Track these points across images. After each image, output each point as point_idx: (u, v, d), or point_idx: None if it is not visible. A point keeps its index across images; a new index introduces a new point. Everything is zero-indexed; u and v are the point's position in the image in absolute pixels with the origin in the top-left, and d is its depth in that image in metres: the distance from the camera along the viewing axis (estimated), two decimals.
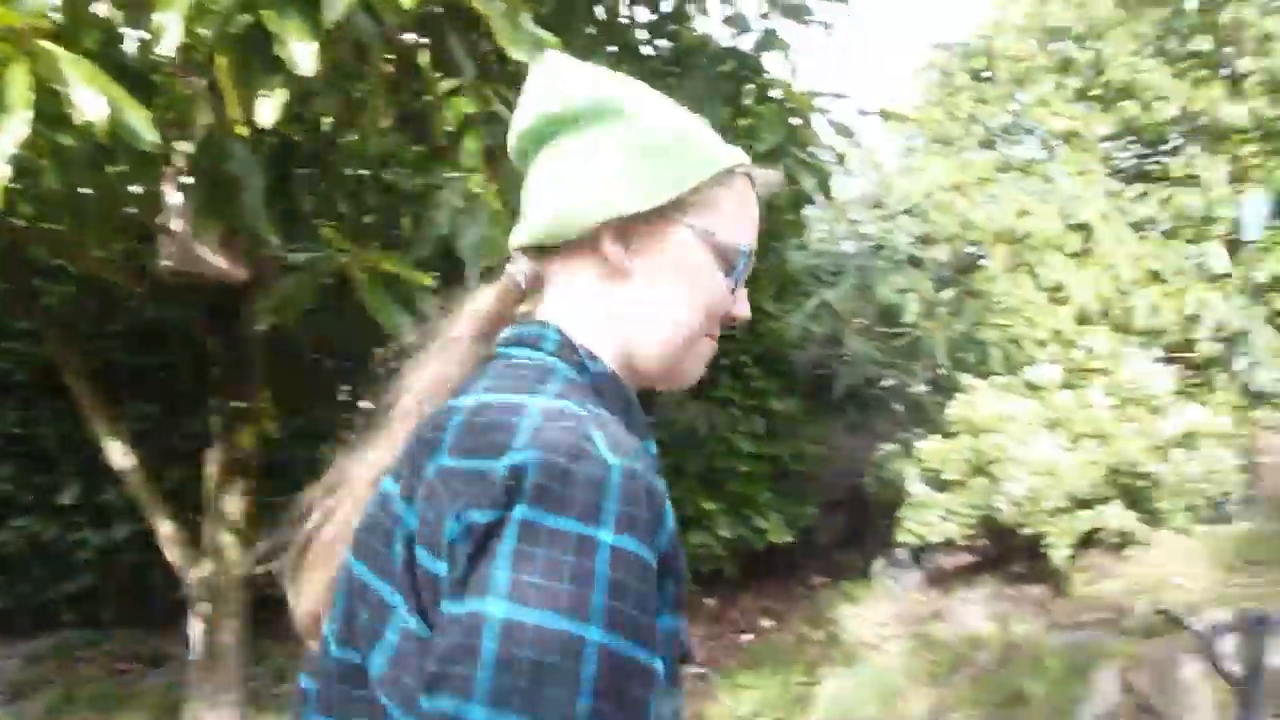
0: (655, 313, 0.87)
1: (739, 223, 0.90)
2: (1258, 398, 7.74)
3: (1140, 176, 12.11)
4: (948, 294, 7.87)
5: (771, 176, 0.97)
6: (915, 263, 8.14)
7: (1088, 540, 6.30)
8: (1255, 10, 10.81)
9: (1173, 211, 10.02)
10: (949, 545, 6.64)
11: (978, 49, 12.69)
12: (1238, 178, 11.08)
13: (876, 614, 6.89)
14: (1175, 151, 11.72)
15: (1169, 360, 9.29)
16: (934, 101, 12.25)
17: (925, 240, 8.38)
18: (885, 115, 5.65)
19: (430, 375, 0.88)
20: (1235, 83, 11.20)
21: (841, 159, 4.96)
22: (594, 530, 0.66)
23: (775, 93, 4.58)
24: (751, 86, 4.65)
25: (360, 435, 0.91)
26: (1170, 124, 11.29)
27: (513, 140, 0.93)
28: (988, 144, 12.01)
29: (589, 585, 0.64)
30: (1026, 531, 5.99)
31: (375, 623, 0.75)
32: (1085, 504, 5.96)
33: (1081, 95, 11.92)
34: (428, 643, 0.70)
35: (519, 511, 0.67)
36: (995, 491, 5.94)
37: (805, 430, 7.78)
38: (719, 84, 4.47)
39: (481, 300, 0.93)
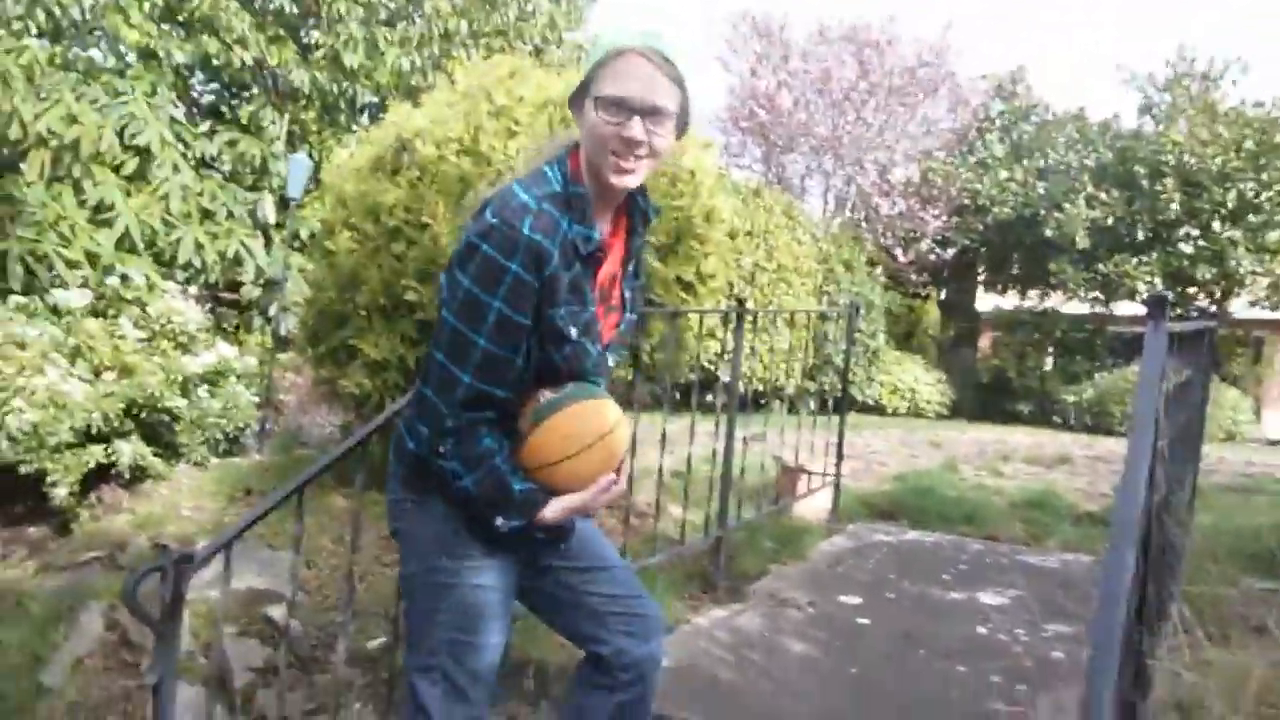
0: (584, 147, 1.60)
1: (608, 81, 1.53)
2: (284, 341, 8.48)
3: (214, 114, 12.22)
4: None
5: (639, 45, 1.54)
6: None
7: (102, 475, 6.04)
8: None
9: (235, 156, 10.32)
10: None
11: None
12: (300, 138, 12.04)
13: None
14: (250, 99, 12.13)
15: (214, 299, 9.59)
16: None
17: None
18: None
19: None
20: (307, 50, 12.12)
21: None
22: (508, 261, 1.49)
23: None
24: None
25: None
26: (247, 71, 11.64)
27: None
28: (52, 35, 10.68)
29: (499, 283, 1.49)
30: (28, 470, 5.44)
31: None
32: (99, 438, 5.69)
33: (166, 15, 11.45)
34: None
35: (484, 245, 1.50)
36: None
37: None
38: None
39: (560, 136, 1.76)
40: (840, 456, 5.85)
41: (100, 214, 7.18)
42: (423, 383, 1.59)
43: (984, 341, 20.67)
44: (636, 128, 1.53)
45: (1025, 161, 17.71)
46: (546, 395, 1.62)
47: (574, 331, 1.60)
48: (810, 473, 5.69)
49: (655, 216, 1.79)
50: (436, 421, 1.55)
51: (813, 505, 5.68)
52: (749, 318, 4.49)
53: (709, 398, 10.59)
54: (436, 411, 1.55)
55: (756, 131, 18.13)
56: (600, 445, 1.64)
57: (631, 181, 1.59)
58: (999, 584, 4.41)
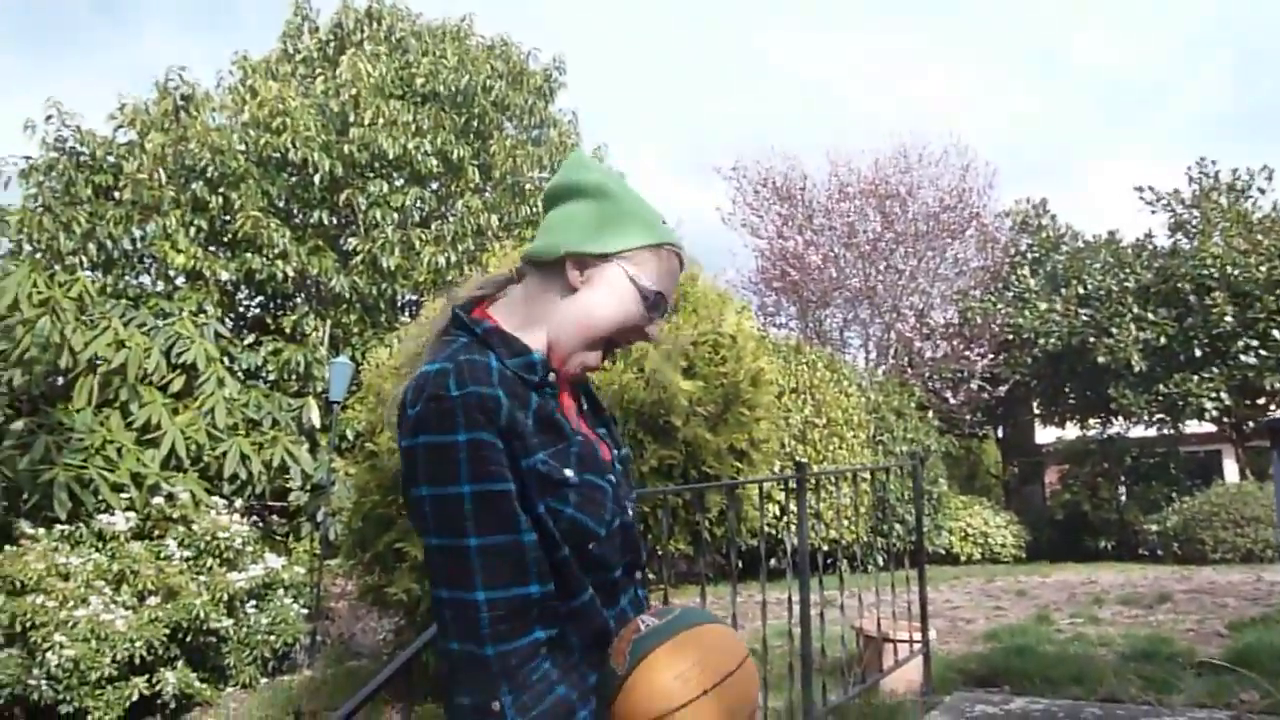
0: (578, 316, 1.32)
1: (657, 275, 1.34)
2: (333, 546, 8.28)
3: (259, 326, 12.55)
4: (19, 424, 6.76)
5: (676, 241, 1.37)
6: None
7: (147, 707, 5.75)
8: (365, 200, 12.36)
9: (279, 365, 10.49)
10: None
11: (107, 166, 11.91)
12: (342, 340, 12.27)
13: None
14: (293, 308, 12.49)
15: (263, 509, 9.48)
16: (46, 207, 10.96)
17: (2, 359, 7.15)
18: None
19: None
20: (346, 257, 12.53)
21: None
22: (453, 435, 1.16)
23: None
24: None
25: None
26: (289, 282, 12.03)
27: (544, 197, 1.46)
28: (104, 266, 11.16)
29: (457, 464, 1.16)
30: (68, 709, 5.18)
31: None
32: (142, 668, 5.43)
33: (211, 238, 11.98)
34: None
35: (420, 438, 1.17)
36: (32, 664, 5.04)
37: None
38: None
39: (466, 286, 1.44)
40: (925, 621, 5.40)
41: (147, 434, 7.20)
42: (445, 639, 1.20)
43: (1051, 476, 19.89)
44: (656, 329, 1.35)
45: (1064, 291, 17.55)
46: (648, 621, 1.23)
47: (569, 473, 1.26)
48: (895, 641, 5.24)
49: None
50: (477, 674, 1.16)
51: (903, 677, 5.20)
52: (810, 481, 4.23)
53: (772, 562, 10.12)
54: (471, 662, 1.16)
55: (789, 290, 18.25)
56: (726, 687, 1.20)
57: (590, 376, 1.40)
58: None
